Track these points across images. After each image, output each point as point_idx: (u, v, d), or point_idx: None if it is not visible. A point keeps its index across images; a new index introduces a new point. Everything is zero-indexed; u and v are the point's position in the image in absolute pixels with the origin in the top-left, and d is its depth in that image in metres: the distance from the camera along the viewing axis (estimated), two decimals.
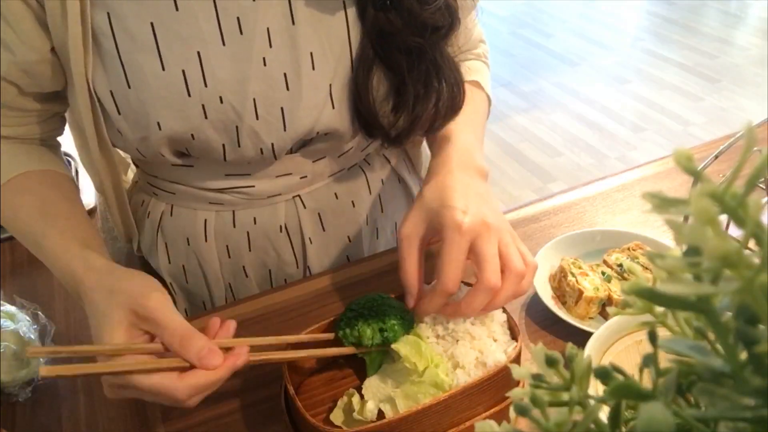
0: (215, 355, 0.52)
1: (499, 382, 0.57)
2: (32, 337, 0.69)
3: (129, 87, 0.63)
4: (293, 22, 0.64)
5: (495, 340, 0.61)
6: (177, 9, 0.61)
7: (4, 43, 0.60)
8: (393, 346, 0.60)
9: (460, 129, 0.73)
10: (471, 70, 0.83)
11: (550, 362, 0.28)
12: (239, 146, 0.68)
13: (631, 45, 3.80)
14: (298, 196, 0.79)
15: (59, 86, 0.67)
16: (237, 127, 0.67)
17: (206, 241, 0.79)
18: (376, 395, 0.59)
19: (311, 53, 0.66)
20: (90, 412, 0.66)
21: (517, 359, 0.60)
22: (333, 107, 0.69)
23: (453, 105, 0.72)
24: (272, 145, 0.69)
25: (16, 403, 0.66)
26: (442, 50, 0.69)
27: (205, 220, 0.78)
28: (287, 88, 0.66)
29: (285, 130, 0.68)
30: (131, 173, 0.88)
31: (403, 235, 0.63)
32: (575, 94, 3.27)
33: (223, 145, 0.68)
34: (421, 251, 0.64)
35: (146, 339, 0.54)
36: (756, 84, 3.26)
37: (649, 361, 0.26)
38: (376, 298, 0.63)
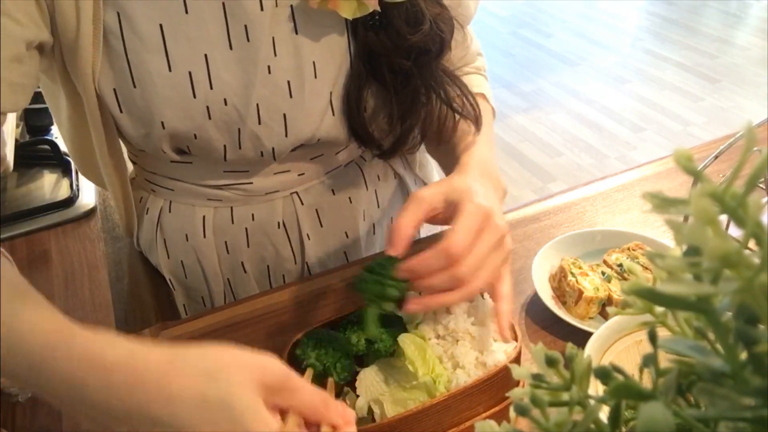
0: (350, 411, 0.48)
1: (499, 382, 0.57)
2: None
3: (134, 86, 0.63)
4: (296, 32, 0.65)
5: (495, 340, 0.61)
6: (186, 11, 0.61)
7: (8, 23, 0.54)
8: (399, 340, 0.60)
9: (481, 143, 0.71)
10: (474, 84, 0.83)
11: (550, 362, 0.28)
12: (240, 148, 0.69)
13: (631, 45, 3.80)
14: (296, 192, 0.79)
15: (31, 94, 0.62)
16: (239, 129, 0.67)
17: (204, 237, 0.79)
18: (369, 391, 0.59)
19: (314, 62, 0.67)
20: None
21: (517, 359, 0.60)
22: (333, 114, 0.70)
23: (454, 121, 0.72)
24: (273, 149, 0.70)
25: (16, 403, 0.66)
26: (433, 72, 0.69)
27: (204, 217, 0.78)
28: (290, 96, 0.67)
29: (286, 136, 0.69)
30: (129, 169, 0.88)
31: (417, 195, 0.60)
32: (575, 94, 3.27)
33: (225, 146, 0.69)
34: (424, 216, 0.60)
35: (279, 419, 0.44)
36: (756, 84, 3.26)
37: (649, 361, 0.26)
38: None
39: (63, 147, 1.06)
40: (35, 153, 1.06)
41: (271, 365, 0.42)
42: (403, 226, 0.59)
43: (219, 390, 0.39)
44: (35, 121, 1.11)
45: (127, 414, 0.39)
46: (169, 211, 0.80)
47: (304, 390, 0.44)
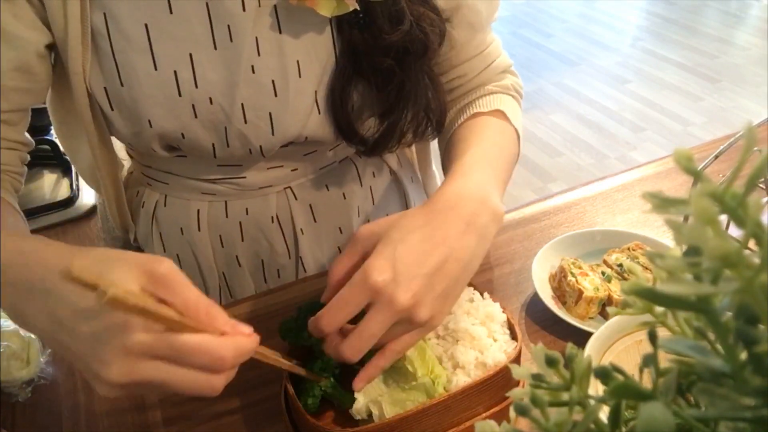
0: (244, 325, 0.45)
1: (499, 382, 0.57)
2: (33, 336, 0.69)
3: (122, 85, 0.64)
4: (280, 32, 0.66)
5: (495, 340, 0.61)
6: (171, 12, 0.62)
7: (6, 36, 0.60)
8: None
9: (475, 166, 0.64)
10: (495, 101, 0.77)
11: (550, 362, 0.28)
12: (228, 146, 0.70)
13: (631, 45, 3.80)
14: (290, 187, 0.80)
15: (46, 91, 0.69)
16: (225, 128, 0.68)
17: (199, 230, 0.80)
18: (368, 391, 0.59)
19: (298, 61, 0.67)
20: (90, 412, 0.66)
21: (517, 359, 0.60)
22: (319, 113, 0.70)
23: (429, 124, 0.73)
24: (260, 147, 0.70)
25: (16, 403, 0.66)
26: (417, 72, 0.69)
27: (198, 210, 0.79)
28: (275, 95, 0.67)
29: (273, 134, 0.70)
30: (126, 165, 0.89)
31: (355, 236, 0.58)
32: (575, 94, 3.27)
33: (213, 144, 0.69)
34: (359, 259, 0.57)
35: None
36: (756, 84, 3.26)
37: (649, 361, 0.26)
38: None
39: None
40: (35, 153, 1.06)
41: (160, 262, 0.42)
42: (335, 273, 0.58)
43: (104, 268, 0.41)
44: (35, 121, 1.11)
45: (30, 288, 0.45)
46: (165, 205, 0.81)
47: (185, 292, 0.42)
